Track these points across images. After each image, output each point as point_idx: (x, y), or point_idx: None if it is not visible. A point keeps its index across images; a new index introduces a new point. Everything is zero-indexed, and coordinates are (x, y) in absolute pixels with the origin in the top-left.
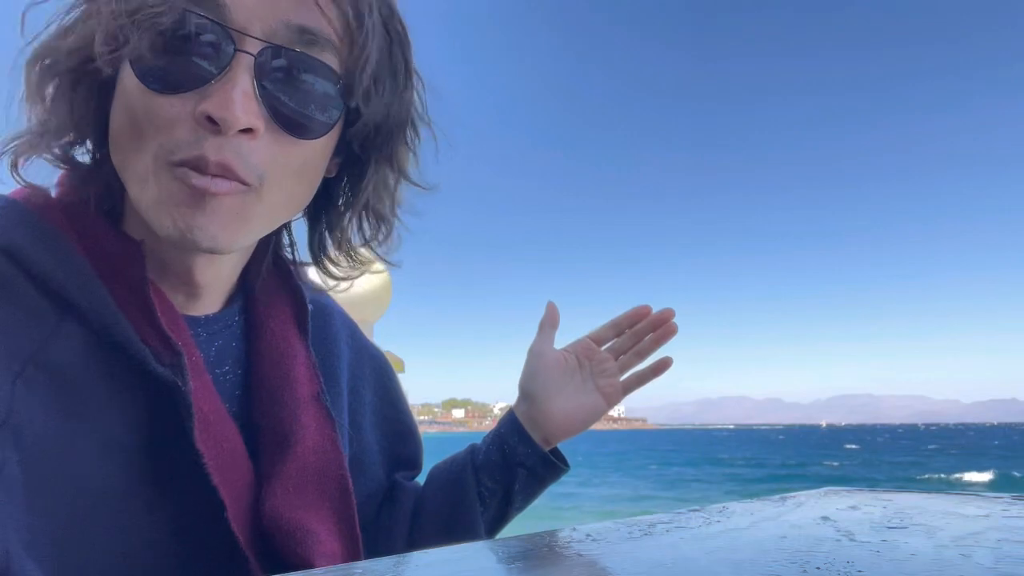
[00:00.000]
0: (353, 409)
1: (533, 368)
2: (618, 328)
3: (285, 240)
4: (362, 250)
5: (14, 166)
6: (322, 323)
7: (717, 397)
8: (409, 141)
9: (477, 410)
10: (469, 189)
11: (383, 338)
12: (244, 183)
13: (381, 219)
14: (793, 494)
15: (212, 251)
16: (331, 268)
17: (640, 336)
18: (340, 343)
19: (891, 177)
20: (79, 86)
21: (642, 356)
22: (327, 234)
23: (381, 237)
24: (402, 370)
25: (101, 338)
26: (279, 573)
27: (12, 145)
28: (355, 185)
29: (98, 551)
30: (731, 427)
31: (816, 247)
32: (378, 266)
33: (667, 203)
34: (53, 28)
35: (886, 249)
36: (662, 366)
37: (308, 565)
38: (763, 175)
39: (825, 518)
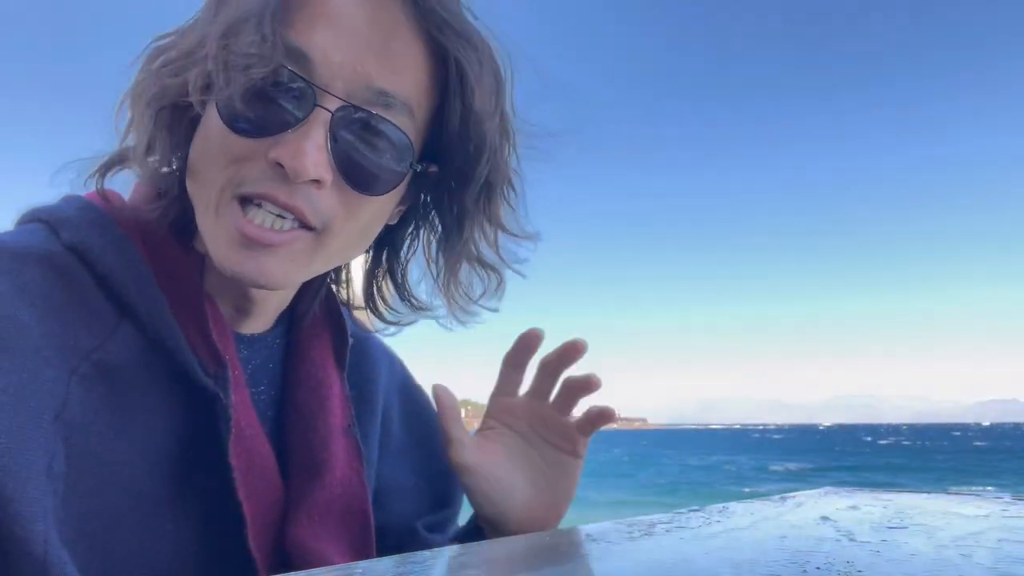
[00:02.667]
0: (382, 444)
1: (472, 488)
2: (523, 358)
3: (341, 276)
4: (420, 296)
5: (103, 173)
6: (361, 357)
7: (718, 397)
8: (506, 195)
9: (477, 410)
10: None
11: (383, 338)
12: (309, 227)
13: (485, 266)
14: (793, 494)
15: (265, 288)
16: (383, 312)
17: (555, 368)
18: (379, 379)
19: (893, 175)
20: (178, 119)
21: (580, 390)
22: (387, 279)
23: (492, 288)
24: None
25: (154, 343)
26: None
27: (106, 162)
28: (452, 244)
29: (121, 551)
30: (718, 427)
31: (816, 246)
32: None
33: (668, 202)
34: (164, 63)
35: (887, 248)
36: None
37: None
38: (764, 173)
39: (825, 518)
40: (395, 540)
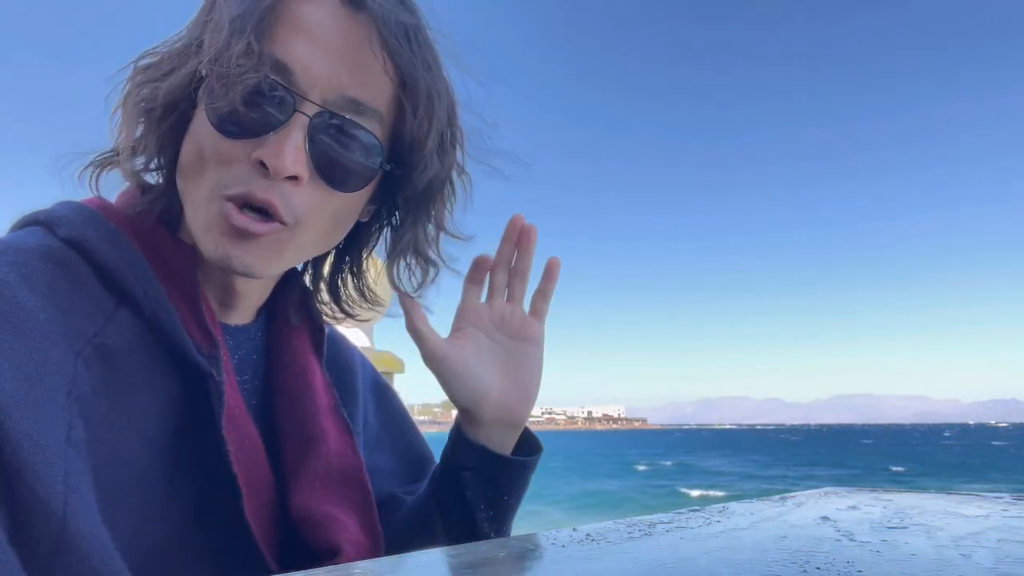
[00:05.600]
0: (363, 431)
1: (445, 374)
2: (479, 276)
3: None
4: (378, 291)
5: (95, 176)
6: (337, 350)
7: (718, 397)
8: (447, 199)
9: None
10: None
11: (383, 338)
12: (282, 222)
13: (425, 262)
14: (793, 494)
15: (247, 276)
16: (345, 305)
17: (507, 262)
18: (356, 371)
19: (892, 173)
20: (166, 122)
21: (524, 275)
22: (348, 273)
23: (428, 280)
24: (402, 370)
25: (150, 326)
26: (304, 559)
27: (98, 160)
28: (395, 238)
29: (123, 528)
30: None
31: (816, 245)
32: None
33: (667, 199)
34: (160, 68)
35: (887, 247)
36: (550, 268)
37: (335, 549)
38: (762, 170)
39: (825, 518)
40: (380, 512)
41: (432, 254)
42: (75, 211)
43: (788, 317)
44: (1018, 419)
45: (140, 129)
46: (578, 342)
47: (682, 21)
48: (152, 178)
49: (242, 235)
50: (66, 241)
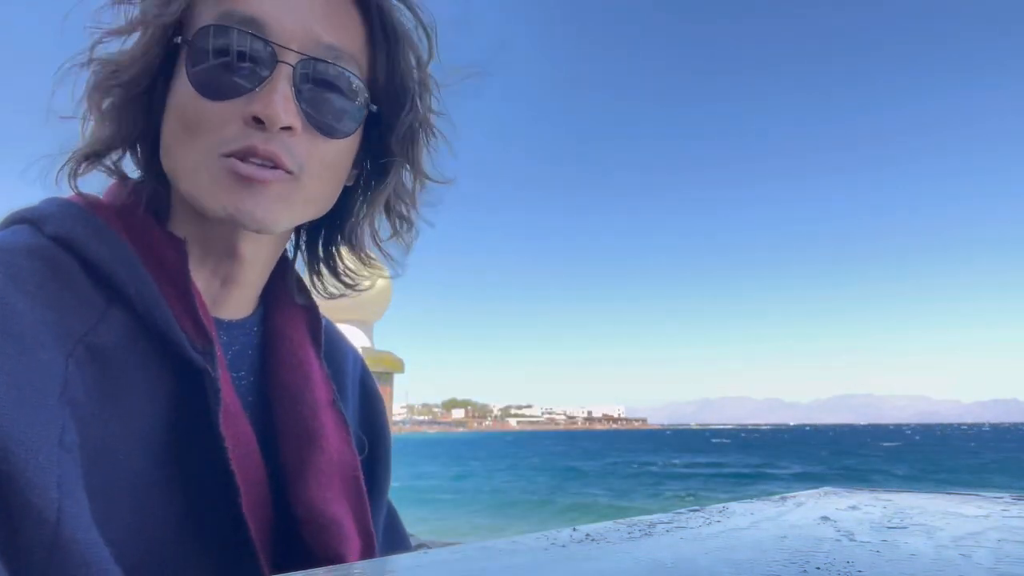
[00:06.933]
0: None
1: None
2: None
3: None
4: (373, 255)
5: (73, 175)
6: (332, 346)
7: (717, 397)
8: (425, 142)
9: (477, 410)
10: (468, 188)
11: (383, 338)
12: (288, 171)
13: (401, 217)
14: (793, 494)
15: (258, 230)
16: (344, 277)
17: None
18: (347, 370)
19: (891, 171)
20: (132, 102)
21: None
22: (341, 239)
23: (403, 232)
24: (402, 370)
25: (143, 324)
26: (300, 558)
27: (73, 157)
28: (376, 187)
29: (118, 529)
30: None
31: (816, 244)
32: (383, 269)
33: (666, 198)
34: (112, 46)
35: (887, 247)
36: None
37: (341, 558)
38: (761, 167)
39: (825, 518)
40: None
41: (404, 209)
42: (62, 208)
43: (788, 317)
44: (1018, 419)
45: (112, 113)
46: (578, 342)
47: (682, 16)
48: (133, 172)
49: (250, 184)
50: (54, 239)
